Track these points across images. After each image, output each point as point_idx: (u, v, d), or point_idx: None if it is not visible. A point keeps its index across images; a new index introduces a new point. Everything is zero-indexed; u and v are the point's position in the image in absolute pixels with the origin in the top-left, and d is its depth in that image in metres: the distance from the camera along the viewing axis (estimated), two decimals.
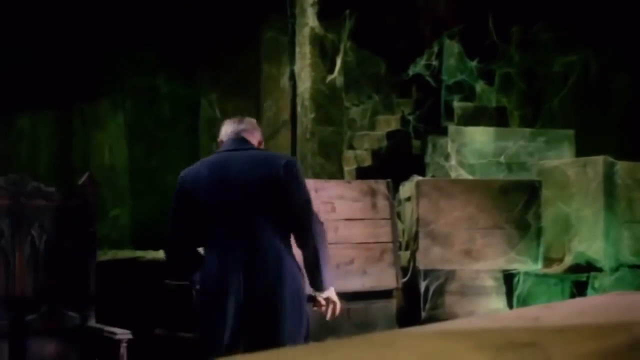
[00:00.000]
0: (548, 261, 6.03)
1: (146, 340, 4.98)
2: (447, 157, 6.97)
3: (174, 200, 4.03)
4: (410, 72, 7.74)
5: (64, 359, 4.49)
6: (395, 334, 1.72)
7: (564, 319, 1.90)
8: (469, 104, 7.71)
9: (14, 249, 4.41)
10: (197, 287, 3.97)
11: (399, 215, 6.17)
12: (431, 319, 5.66)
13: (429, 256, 5.91)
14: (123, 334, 4.15)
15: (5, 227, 4.39)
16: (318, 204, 5.50)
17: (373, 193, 5.70)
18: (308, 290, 4.10)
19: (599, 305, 2.32)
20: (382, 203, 5.70)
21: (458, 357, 1.33)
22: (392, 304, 5.67)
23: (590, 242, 5.83)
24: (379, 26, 8.09)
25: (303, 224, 4.02)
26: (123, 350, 4.12)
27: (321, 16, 7.66)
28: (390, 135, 7.85)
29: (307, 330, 4.02)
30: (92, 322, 4.52)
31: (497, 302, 5.97)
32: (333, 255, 5.47)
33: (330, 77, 7.70)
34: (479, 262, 5.95)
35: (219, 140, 4.19)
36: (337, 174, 7.62)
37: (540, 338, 1.52)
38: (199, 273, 3.96)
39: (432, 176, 6.89)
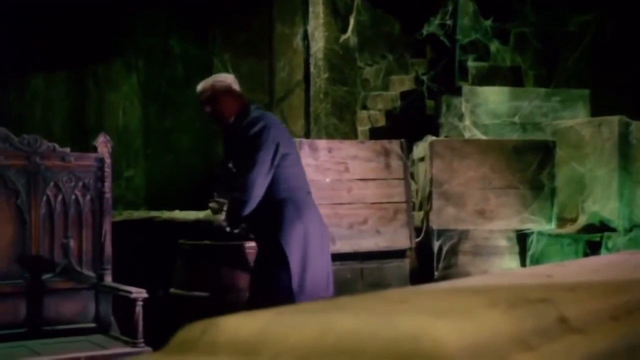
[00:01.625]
0: (562, 221, 6.03)
1: (161, 300, 5.02)
2: (461, 117, 6.94)
3: (269, 145, 4.20)
4: (424, 31, 7.68)
5: (80, 318, 4.53)
6: (409, 291, 1.73)
7: (576, 277, 1.91)
8: (484, 64, 7.66)
9: (30, 208, 4.43)
10: (278, 232, 4.17)
11: (412, 176, 6.17)
12: (444, 279, 5.68)
13: (443, 216, 5.92)
14: (138, 293, 4.18)
15: (20, 187, 4.41)
16: (331, 164, 5.51)
17: (387, 153, 5.69)
18: None
19: (612, 263, 2.33)
20: (396, 163, 5.70)
21: (470, 313, 1.34)
22: (406, 264, 5.69)
23: (604, 202, 5.82)
24: None
25: None
26: (139, 309, 4.15)
27: None
28: (404, 95, 7.82)
29: None
30: (108, 282, 4.56)
31: (511, 262, 5.98)
32: (347, 214, 5.49)
33: (343, 37, 7.66)
34: (493, 222, 5.96)
35: (234, 87, 4.43)
36: (350, 134, 7.61)
37: (553, 294, 1.53)
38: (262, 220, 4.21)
39: (446, 136, 6.87)
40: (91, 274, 4.56)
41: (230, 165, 4.31)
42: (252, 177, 4.13)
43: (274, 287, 4.15)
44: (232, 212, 4.25)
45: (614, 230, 5.76)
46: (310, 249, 4.23)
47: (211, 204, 4.55)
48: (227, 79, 4.46)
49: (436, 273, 5.90)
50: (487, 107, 7.03)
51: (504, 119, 7.01)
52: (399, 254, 5.67)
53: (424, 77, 7.74)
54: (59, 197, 4.50)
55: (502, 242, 5.99)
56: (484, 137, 6.75)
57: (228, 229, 4.34)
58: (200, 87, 4.47)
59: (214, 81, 4.45)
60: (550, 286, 1.72)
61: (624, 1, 7.59)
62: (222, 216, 4.33)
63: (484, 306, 1.38)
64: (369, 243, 5.54)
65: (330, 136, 7.35)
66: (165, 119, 8.98)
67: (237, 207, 4.20)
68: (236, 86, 4.43)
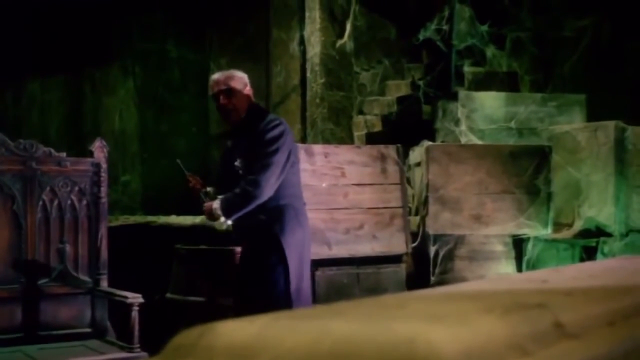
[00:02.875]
0: (558, 226, 6.03)
1: (157, 305, 5.01)
2: (457, 122, 6.95)
3: (285, 149, 4.21)
4: (421, 36, 7.69)
5: (76, 323, 4.53)
6: (405, 296, 1.73)
7: (572, 282, 1.91)
8: (480, 69, 7.67)
9: (26, 213, 4.43)
10: (284, 239, 4.16)
11: (408, 181, 6.17)
12: (440, 284, 5.68)
13: (439, 221, 5.92)
14: (134, 298, 4.18)
15: (16, 192, 4.41)
16: (328, 169, 5.51)
17: (383, 158, 5.69)
18: None
19: (607, 268, 2.33)
20: (392, 168, 5.70)
21: (466, 318, 1.34)
22: (402, 269, 5.69)
23: (600, 207, 5.83)
24: None
25: None
26: (135, 314, 4.14)
27: None
28: (400, 100, 7.83)
29: None
30: (104, 286, 4.56)
31: (507, 267, 5.98)
32: (343, 219, 5.49)
33: (340, 42, 7.67)
34: (489, 227, 5.95)
35: (249, 86, 4.40)
36: (346, 139, 7.61)
37: (549, 300, 1.53)
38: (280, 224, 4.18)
39: (442, 141, 6.87)
40: (87, 278, 4.56)
41: (237, 163, 4.26)
42: (267, 176, 4.13)
43: (272, 289, 4.13)
44: (236, 203, 4.18)
45: (610, 235, 5.76)
46: (305, 256, 4.25)
47: (194, 183, 4.48)
48: (245, 76, 4.43)
49: (432, 278, 5.89)
50: (484, 112, 7.03)
51: (500, 124, 7.01)
52: (395, 259, 5.67)
53: (420, 82, 7.75)
54: (55, 202, 4.50)
55: (499, 247, 5.99)
56: (480, 142, 6.75)
57: (222, 219, 4.26)
58: (217, 76, 4.40)
59: (233, 75, 4.40)
60: (546, 291, 1.72)
61: (620, 6, 7.60)
62: (214, 204, 4.23)
63: (480, 311, 1.38)
64: (365, 248, 5.53)
65: (326, 141, 7.35)
66: (162, 123, 8.98)
67: (244, 200, 4.15)
68: (250, 85, 4.44)
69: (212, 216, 4.28)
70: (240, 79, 4.38)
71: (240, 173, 4.23)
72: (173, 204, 7.45)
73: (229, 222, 4.28)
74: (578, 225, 5.93)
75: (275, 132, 4.21)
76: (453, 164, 5.95)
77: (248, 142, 4.26)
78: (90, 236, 4.58)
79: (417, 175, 6.19)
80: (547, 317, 1.43)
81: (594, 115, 6.92)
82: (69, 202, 4.54)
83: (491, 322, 1.33)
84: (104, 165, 4.61)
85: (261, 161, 4.16)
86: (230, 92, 4.32)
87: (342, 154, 5.63)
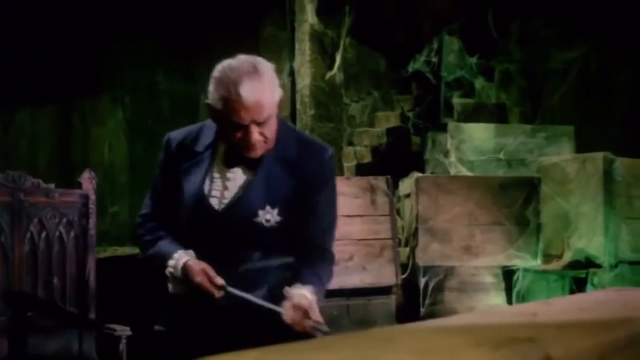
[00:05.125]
0: (547, 257, 6.02)
1: (146, 337, 4.98)
2: (446, 153, 6.96)
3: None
4: (410, 68, 7.74)
5: (63, 356, 4.49)
6: (395, 330, 1.72)
7: (562, 315, 1.90)
8: (469, 101, 7.70)
9: (13, 245, 4.41)
10: None
11: (398, 212, 6.17)
12: (430, 316, 5.66)
13: (429, 252, 5.91)
14: (122, 330, 4.15)
15: (4, 224, 4.39)
16: None
17: (372, 189, 5.69)
18: None
19: (598, 301, 2.32)
20: (382, 199, 5.70)
21: (456, 353, 1.33)
22: (392, 301, 5.67)
23: (590, 238, 5.82)
24: (378, 22, 8.08)
25: None
26: (122, 346, 4.12)
27: (320, 12, 7.65)
28: (389, 131, 7.84)
29: None
30: (92, 319, 4.52)
31: (497, 299, 5.97)
32: None
33: (329, 74, 7.69)
34: (479, 259, 5.95)
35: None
36: (336, 171, 7.61)
37: (539, 333, 1.52)
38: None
39: (432, 173, 6.88)
40: (75, 311, 4.53)
41: (268, 214, 2.85)
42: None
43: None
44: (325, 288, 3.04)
45: (599, 266, 5.75)
46: None
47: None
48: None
49: (422, 309, 5.87)
50: (473, 143, 7.04)
51: (490, 156, 7.02)
52: (385, 290, 5.65)
53: (410, 114, 7.78)
54: (43, 234, 4.48)
55: (488, 279, 5.98)
56: (469, 174, 6.76)
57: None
58: (256, 93, 2.72)
59: (275, 84, 2.78)
60: (536, 325, 1.72)
61: (608, 38, 7.66)
62: (309, 294, 2.89)
63: (470, 346, 1.38)
64: (354, 279, 5.52)
65: None
66: (151, 154, 8.97)
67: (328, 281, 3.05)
68: None
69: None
70: (279, 89, 2.81)
71: (267, 226, 2.86)
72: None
73: None
74: (567, 257, 5.92)
75: (333, 172, 3.13)
76: (442, 195, 5.95)
77: (289, 183, 2.88)
78: (78, 268, 4.56)
79: (407, 206, 6.19)
80: (537, 352, 1.43)
81: (582, 146, 6.94)
82: (56, 233, 4.52)
83: (481, 356, 1.32)
84: (92, 197, 4.60)
85: (328, 220, 3.05)
86: (270, 117, 2.76)
87: None
